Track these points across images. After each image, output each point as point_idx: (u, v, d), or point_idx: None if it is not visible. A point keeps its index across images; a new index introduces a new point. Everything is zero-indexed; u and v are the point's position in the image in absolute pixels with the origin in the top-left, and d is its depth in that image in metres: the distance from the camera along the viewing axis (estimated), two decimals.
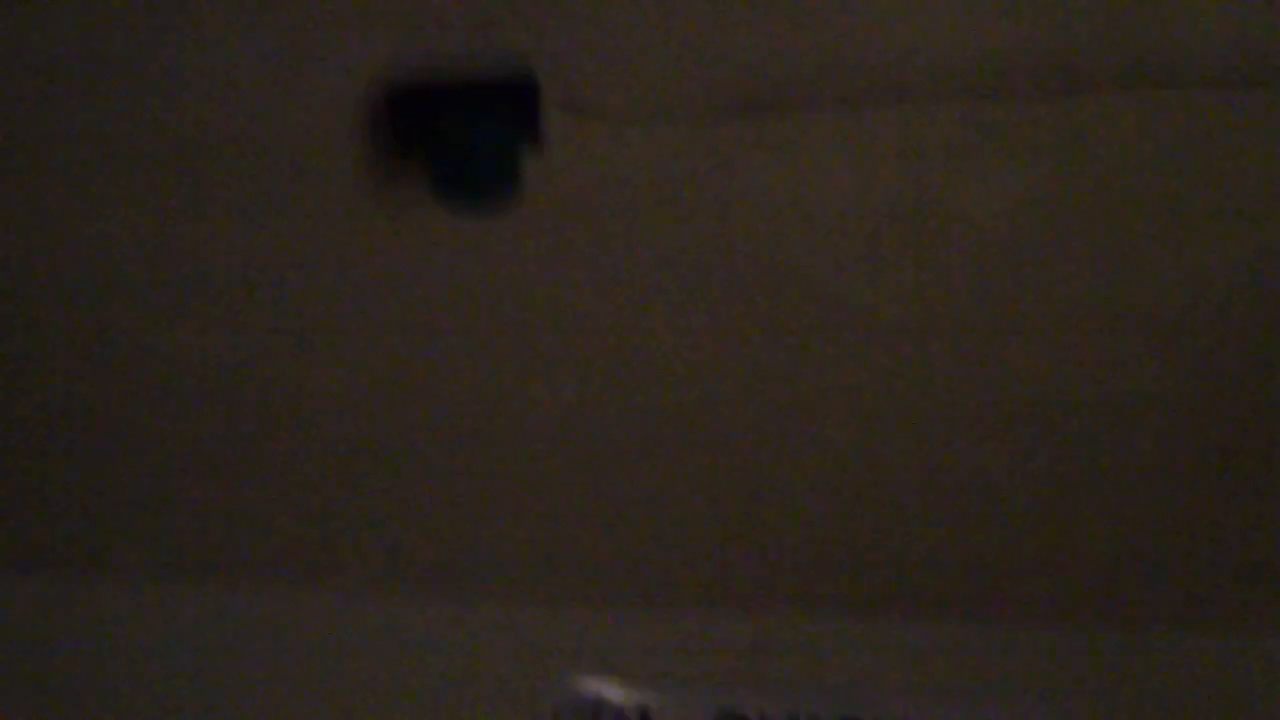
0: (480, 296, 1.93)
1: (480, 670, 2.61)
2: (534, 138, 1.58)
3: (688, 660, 2.63)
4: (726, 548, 2.55)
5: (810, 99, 1.59)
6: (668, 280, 1.91)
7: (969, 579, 2.60)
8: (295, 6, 1.48)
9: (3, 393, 2.19)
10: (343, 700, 2.59)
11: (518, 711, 2.56)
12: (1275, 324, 2.01)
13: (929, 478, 2.41)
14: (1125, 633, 2.60)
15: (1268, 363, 2.07)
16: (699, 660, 2.65)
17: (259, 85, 1.58)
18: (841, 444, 2.30)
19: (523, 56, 1.53)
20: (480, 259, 1.85)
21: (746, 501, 2.43)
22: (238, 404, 2.20)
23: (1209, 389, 2.18)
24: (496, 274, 1.89)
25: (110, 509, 2.47)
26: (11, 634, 2.57)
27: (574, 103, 1.59)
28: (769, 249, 1.86)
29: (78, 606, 2.60)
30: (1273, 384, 2.12)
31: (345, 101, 1.60)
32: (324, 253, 1.86)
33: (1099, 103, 1.61)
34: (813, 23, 1.50)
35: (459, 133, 1.57)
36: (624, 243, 1.83)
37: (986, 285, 1.96)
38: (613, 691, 2.57)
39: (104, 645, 2.57)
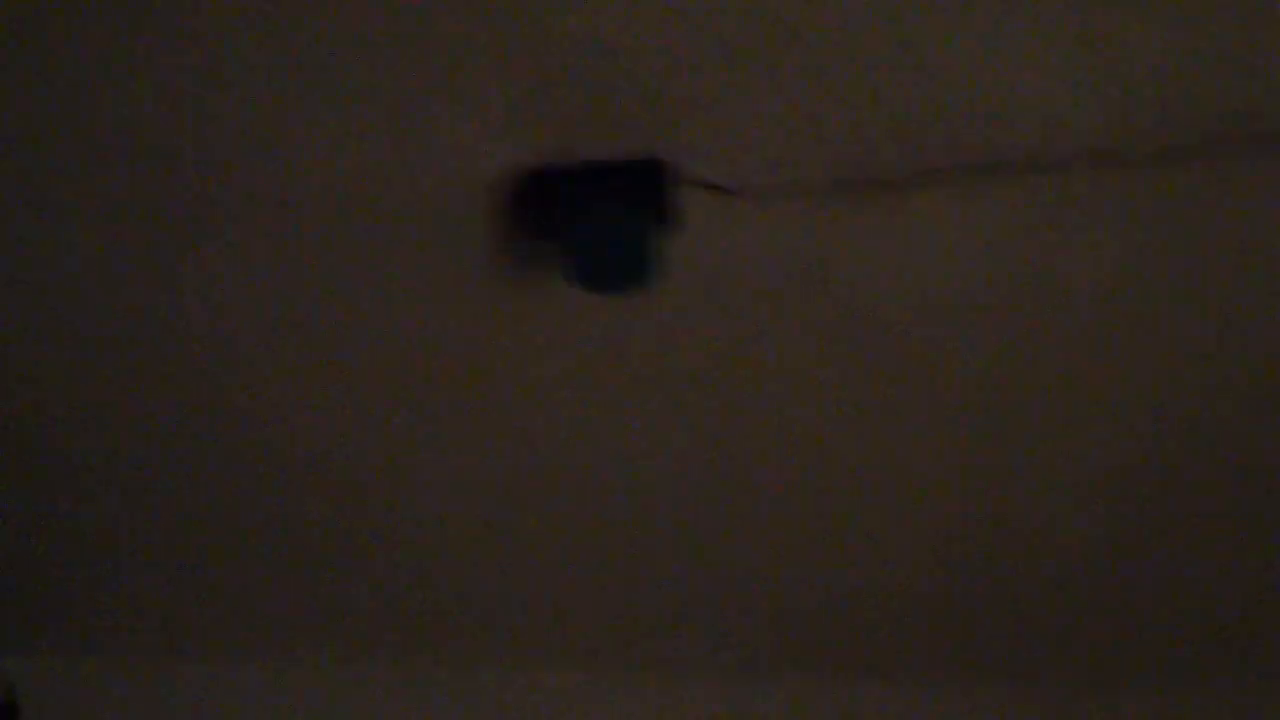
0: (596, 374, 1.93)
1: None
2: (664, 220, 1.57)
3: None
4: (821, 612, 2.55)
5: (930, 176, 1.61)
6: (784, 355, 1.90)
7: (1070, 644, 2.60)
8: (435, 91, 1.50)
9: (105, 470, 2.18)
10: None
11: None
12: None
13: (1033, 544, 2.41)
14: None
15: None
16: None
17: (395, 163, 1.58)
18: (948, 509, 2.30)
19: (652, 140, 1.55)
20: (601, 334, 1.85)
21: (845, 567, 2.44)
22: (348, 485, 2.20)
23: None
24: (617, 349, 1.88)
25: (222, 587, 2.47)
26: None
27: (705, 182, 1.60)
28: (888, 323, 1.85)
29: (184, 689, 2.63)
30: None
31: (479, 184, 1.62)
32: (447, 331, 1.84)
33: (1201, 171, 1.61)
34: (933, 103, 1.53)
35: (591, 219, 1.56)
36: (749, 316, 1.83)
37: (1087, 355, 1.95)
38: None
39: None
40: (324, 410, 2.01)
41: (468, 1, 1.39)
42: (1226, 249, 1.75)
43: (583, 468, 2.13)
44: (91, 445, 2.09)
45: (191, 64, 1.46)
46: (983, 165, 1.59)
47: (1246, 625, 2.47)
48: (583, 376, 1.94)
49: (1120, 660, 2.58)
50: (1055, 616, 2.50)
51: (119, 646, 2.58)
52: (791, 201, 1.64)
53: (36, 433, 2.06)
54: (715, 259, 1.75)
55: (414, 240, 1.70)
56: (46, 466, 2.14)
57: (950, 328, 1.86)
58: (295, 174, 1.61)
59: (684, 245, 1.70)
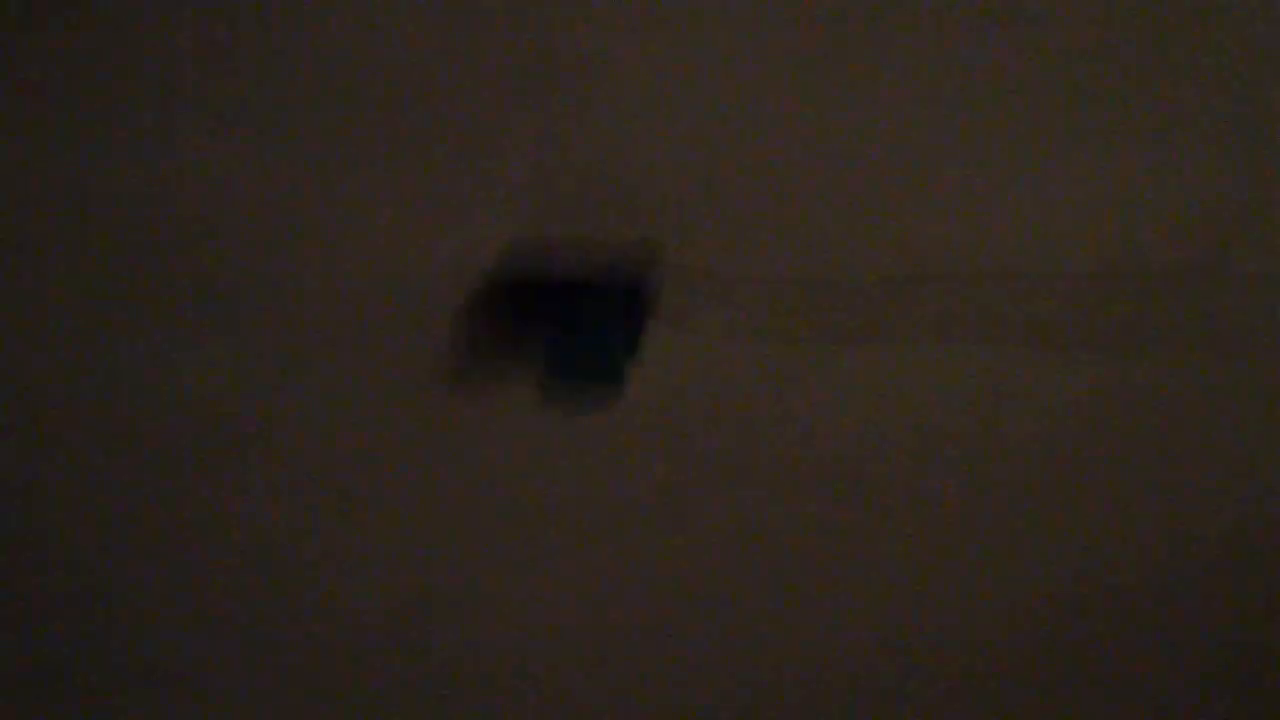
0: (535, 491, 1.93)
1: None
2: (637, 340, 1.63)
3: None
4: None
5: (890, 330, 1.66)
6: (733, 492, 1.94)
7: None
8: (429, 176, 1.49)
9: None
10: None
11: None
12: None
13: (964, 696, 2.38)
14: None
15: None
16: None
17: (376, 248, 1.58)
18: (893, 647, 2.27)
19: (635, 260, 1.59)
20: (548, 453, 1.86)
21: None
22: (290, 583, 2.14)
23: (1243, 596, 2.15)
24: (558, 471, 1.89)
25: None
26: None
27: (673, 315, 1.64)
28: (832, 467, 1.89)
29: None
30: None
31: (461, 278, 1.61)
32: (399, 425, 1.83)
33: (1167, 312, 1.65)
34: (902, 255, 1.57)
35: (575, 324, 1.61)
36: (703, 450, 1.86)
37: (1028, 500, 1.98)
38: None
39: None
40: (274, 510, 1.98)
41: (472, 95, 1.38)
42: (1186, 418, 1.79)
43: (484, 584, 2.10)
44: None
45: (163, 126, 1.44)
46: (950, 319, 1.65)
47: None
48: (530, 491, 1.93)
49: None
50: None
51: None
52: (761, 341, 1.69)
53: None
54: (680, 388, 1.77)
55: (375, 335, 1.69)
56: None
57: (899, 477, 1.90)
58: (272, 256, 1.59)
59: (648, 372, 1.73)
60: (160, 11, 1.30)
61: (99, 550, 2.08)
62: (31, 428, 1.84)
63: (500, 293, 1.63)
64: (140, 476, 1.92)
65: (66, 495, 1.96)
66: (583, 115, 1.40)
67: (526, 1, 1.29)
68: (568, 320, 1.60)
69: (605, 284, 1.60)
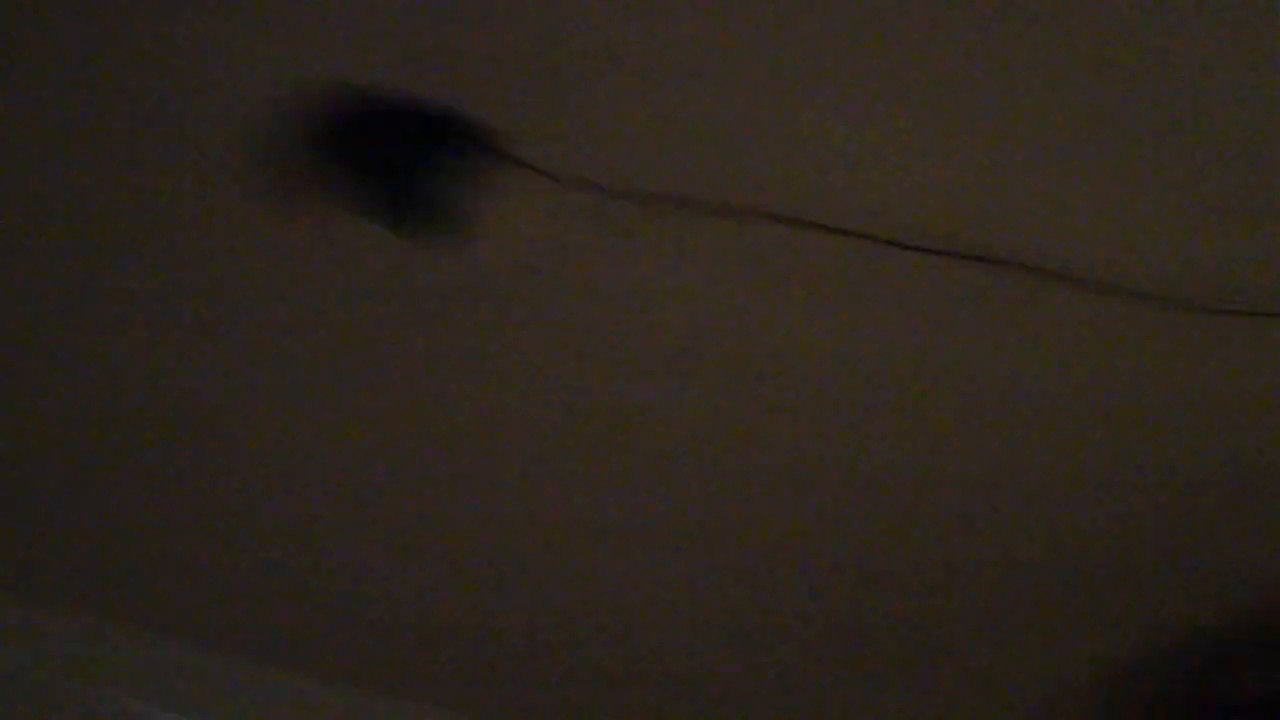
0: (354, 318, 1.86)
1: None
2: (461, 173, 1.63)
3: None
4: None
5: (735, 206, 1.63)
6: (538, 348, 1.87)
7: None
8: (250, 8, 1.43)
9: None
10: None
11: None
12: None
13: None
14: None
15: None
16: None
17: (197, 75, 1.51)
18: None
19: (459, 96, 1.55)
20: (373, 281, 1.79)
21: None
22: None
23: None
24: (384, 307, 1.83)
25: None
26: None
27: (515, 153, 1.61)
28: (644, 342, 1.84)
29: None
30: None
31: (281, 110, 1.57)
32: (230, 253, 1.76)
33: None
34: (757, 136, 1.52)
35: (393, 157, 1.62)
36: (522, 303, 1.81)
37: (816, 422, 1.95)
38: None
39: None
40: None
41: None
42: (975, 349, 1.75)
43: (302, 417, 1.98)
44: None
45: None
46: (784, 218, 1.62)
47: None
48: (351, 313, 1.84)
49: None
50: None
51: None
52: (596, 193, 1.65)
53: None
54: (500, 229, 1.72)
55: (205, 158, 1.62)
56: None
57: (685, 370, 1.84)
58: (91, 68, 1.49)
59: (490, 218, 1.69)
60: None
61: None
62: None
63: (327, 131, 1.61)
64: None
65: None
66: None
67: None
68: (389, 155, 1.60)
69: (423, 116, 1.59)
